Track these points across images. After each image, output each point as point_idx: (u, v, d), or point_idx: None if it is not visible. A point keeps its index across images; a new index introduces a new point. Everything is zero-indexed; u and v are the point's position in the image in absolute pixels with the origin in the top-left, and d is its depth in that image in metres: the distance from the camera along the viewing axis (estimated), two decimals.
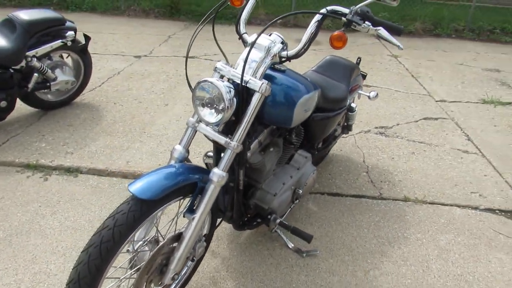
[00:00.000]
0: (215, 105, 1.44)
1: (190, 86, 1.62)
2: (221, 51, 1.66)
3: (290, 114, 1.65)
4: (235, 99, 1.45)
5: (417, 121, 3.74)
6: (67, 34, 3.13)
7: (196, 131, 1.59)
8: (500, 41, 7.01)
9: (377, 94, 2.69)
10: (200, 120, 1.55)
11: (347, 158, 3.04)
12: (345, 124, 2.62)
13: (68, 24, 3.17)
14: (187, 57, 1.70)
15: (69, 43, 3.17)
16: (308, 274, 2.00)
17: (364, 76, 2.76)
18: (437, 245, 2.23)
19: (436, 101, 4.22)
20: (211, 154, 1.91)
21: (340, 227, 2.33)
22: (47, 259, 2.00)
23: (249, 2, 1.71)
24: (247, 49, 1.52)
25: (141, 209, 1.31)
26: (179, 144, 1.58)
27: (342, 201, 2.57)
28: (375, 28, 1.46)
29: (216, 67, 1.55)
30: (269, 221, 1.93)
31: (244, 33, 1.67)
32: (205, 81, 1.42)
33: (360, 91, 2.70)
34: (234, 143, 1.47)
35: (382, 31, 1.46)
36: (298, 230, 1.96)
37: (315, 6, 7.29)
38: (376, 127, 3.55)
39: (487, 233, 2.35)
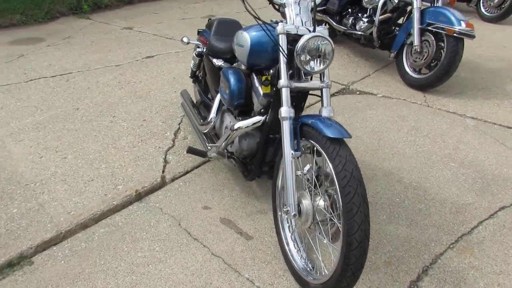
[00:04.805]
0: (318, 56, 1.69)
1: (282, 43, 1.71)
2: (255, 15, 1.80)
3: None
4: None
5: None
6: None
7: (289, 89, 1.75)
8: None
9: None
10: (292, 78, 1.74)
11: None
12: None
13: None
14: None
15: None
16: None
17: None
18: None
19: None
20: None
21: None
22: None
23: None
24: (294, 7, 1.77)
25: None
26: (285, 106, 1.72)
27: None
28: None
29: (284, 29, 1.72)
30: None
31: None
32: (317, 37, 1.64)
33: None
34: (329, 82, 1.80)
35: None
36: None
37: None
38: None
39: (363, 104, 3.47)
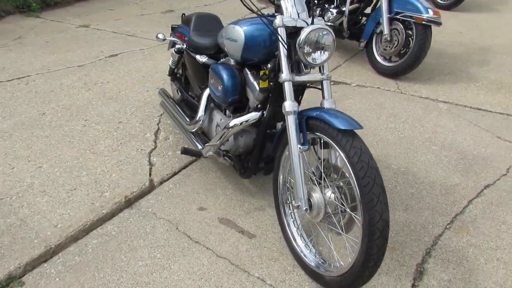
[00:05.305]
0: (321, 48, 1.67)
1: (282, 37, 1.67)
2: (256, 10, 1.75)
3: None
4: None
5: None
6: None
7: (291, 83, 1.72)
8: None
9: None
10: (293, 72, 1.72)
11: None
12: None
13: None
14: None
15: None
16: None
17: None
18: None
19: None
20: None
21: None
22: None
23: None
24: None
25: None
26: (288, 100, 1.69)
27: None
28: None
29: (282, 22, 1.68)
30: None
31: None
32: (318, 28, 1.61)
33: None
34: (329, 74, 1.79)
35: None
36: None
37: None
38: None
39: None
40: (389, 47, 3.70)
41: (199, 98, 2.56)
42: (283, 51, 1.69)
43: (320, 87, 1.81)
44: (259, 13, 1.70)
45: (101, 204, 2.25)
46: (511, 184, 2.38)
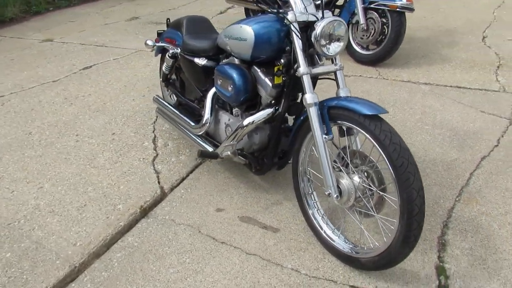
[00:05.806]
0: (337, 39, 1.73)
1: (297, 32, 1.72)
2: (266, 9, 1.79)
3: None
4: None
5: None
6: None
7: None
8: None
9: None
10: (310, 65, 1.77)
11: None
12: None
13: None
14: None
15: None
16: None
17: None
18: None
19: None
20: None
21: None
22: None
23: None
24: None
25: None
26: (308, 93, 1.74)
27: None
28: None
29: (295, 17, 1.74)
30: None
31: None
32: (334, 20, 1.67)
33: None
34: (342, 64, 1.86)
35: None
36: None
37: None
38: None
39: None
40: (366, 36, 3.83)
41: (199, 101, 2.57)
42: (298, 46, 1.73)
43: (332, 77, 1.87)
44: (275, 10, 1.73)
45: (116, 217, 2.20)
46: (504, 154, 2.54)
